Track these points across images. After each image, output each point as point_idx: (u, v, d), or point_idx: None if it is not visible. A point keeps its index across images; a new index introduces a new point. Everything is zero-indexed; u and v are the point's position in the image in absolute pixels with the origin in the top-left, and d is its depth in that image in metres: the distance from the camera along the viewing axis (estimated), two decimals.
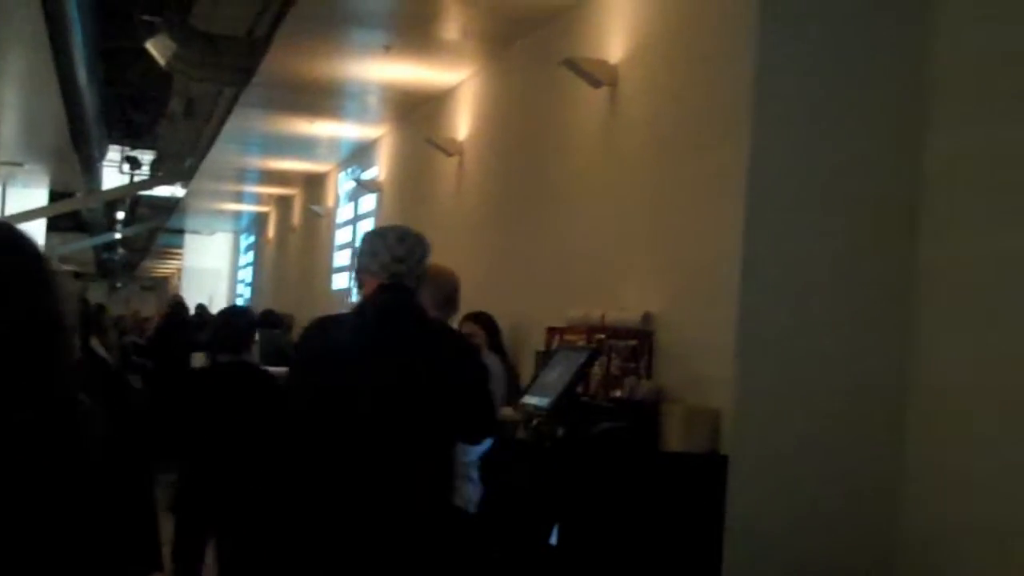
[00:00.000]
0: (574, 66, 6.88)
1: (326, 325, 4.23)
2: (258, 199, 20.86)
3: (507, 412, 6.23)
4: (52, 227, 23.99)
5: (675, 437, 5.24)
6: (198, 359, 10.73)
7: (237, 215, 23.75)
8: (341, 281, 14.97)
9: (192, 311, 15.39)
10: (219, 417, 5.73)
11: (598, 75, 6.79)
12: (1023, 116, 4.79)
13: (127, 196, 25.66)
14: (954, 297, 5.07)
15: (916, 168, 5.27)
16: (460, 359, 4.15)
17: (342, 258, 14.92)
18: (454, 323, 7.45)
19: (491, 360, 5.33)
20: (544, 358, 6.20)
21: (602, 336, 5.93)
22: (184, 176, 19.17)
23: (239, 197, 20.85)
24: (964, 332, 5.00)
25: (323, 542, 3.90)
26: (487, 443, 4.68)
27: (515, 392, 6.22)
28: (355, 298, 7.26)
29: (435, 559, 3.97)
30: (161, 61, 11.35)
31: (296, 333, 9.65)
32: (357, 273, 4.22)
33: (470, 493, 4.95)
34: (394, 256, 4.08)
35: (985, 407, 4.84)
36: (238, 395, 5.78)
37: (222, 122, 13.64)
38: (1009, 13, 4.93)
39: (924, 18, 5.26)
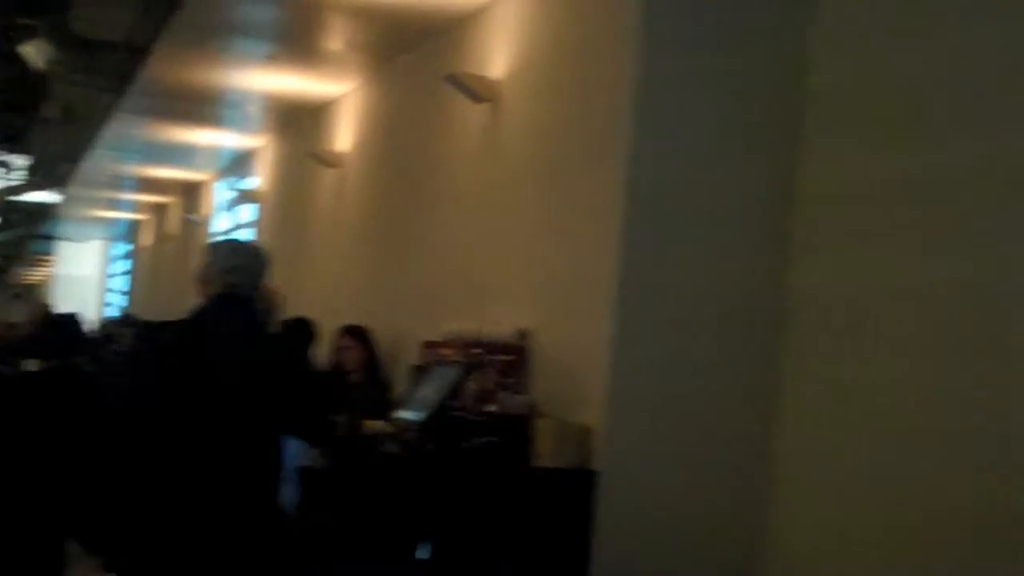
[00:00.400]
0: (456, 81, 6.89)
1: (161, 328, 4.40)
2: (134, 206, 20.55)
3: (378, 425, 6.22)
4: None
5: (547, 452, 5.26)
6: (31, 364, 10.43)
7: (112, 222, 23.36)
8: None
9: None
10: (42, 421, 5.76)
11: (480, 91, 6.81)
12: (893, 142, 4.89)
13: None
14: (822, 317, 5.16)
15: (790, 188, 5.36)
16: (288, 364, 4.42)
17: None
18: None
19: None
20: (419, 372, 6.19)
21: (477, 351, 5.94)
22: (59, 182, 18.82)
23: (115, 204, 20.51)
24: (830, 348, 5.09)
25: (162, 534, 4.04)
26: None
27: (389, 406, 6.21)
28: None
29: (259, 552, 4.21)
30: (38, 65, 11.15)
31: None
32: (197, 281, 4.35)
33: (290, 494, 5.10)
34: (229, 266, 4.30)
35: (849, 420, 4.93)
36: (61, 399, 5.82)
37: (100, 128, 13.43)
38: (881, 41, 5.04)
39: (801, 43, 5.36)
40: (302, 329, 8.12)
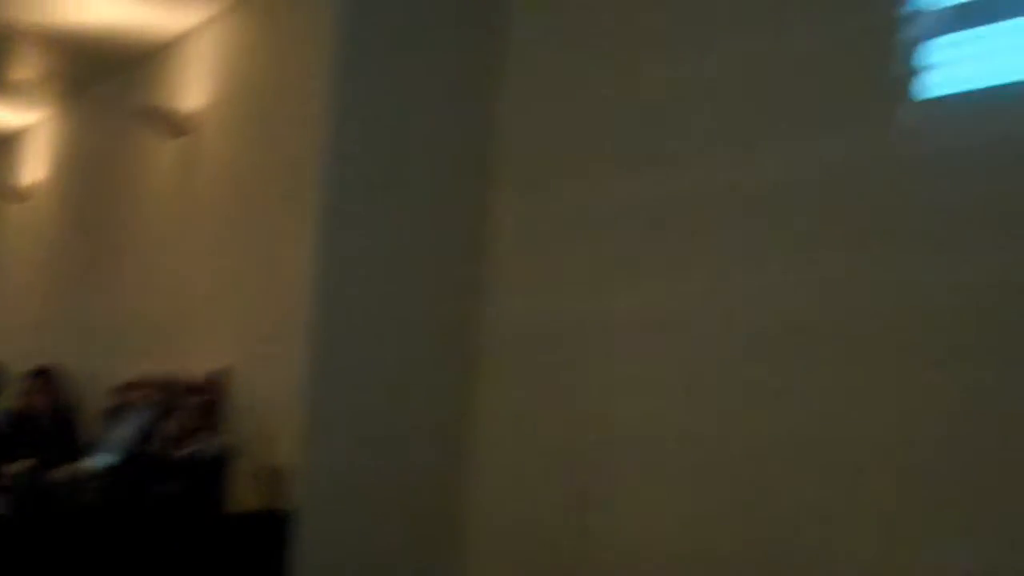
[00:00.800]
0: (150, 114, 6.72)
1: None
2: None
3: (67, 472, 5.97)
4: None
5: (242, 493, 5.16)
6: None
7: None
8: None
9: None
10: None
11: (175, 124, 6.65)
12: (574, 182, 5.01)
13: None
14: (510, 347, 5.24)
15: (482, 226, 5.42)
16: None
17: None
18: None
19: None
20: (112, 415, 5.98)
21: (173, 392, 5.77)
22: None
23: None
24: (518, 376, 5.16)
25: None
26: None
27: (78, 451, 5.97)
28: None
29: None
30: None
31: None
32: None
33: None
34: None
35: (543, 440, 5.01)
36: None
37: None
38: (563, 93, 5.16)
39: (490, 106, 5.43)
40: None
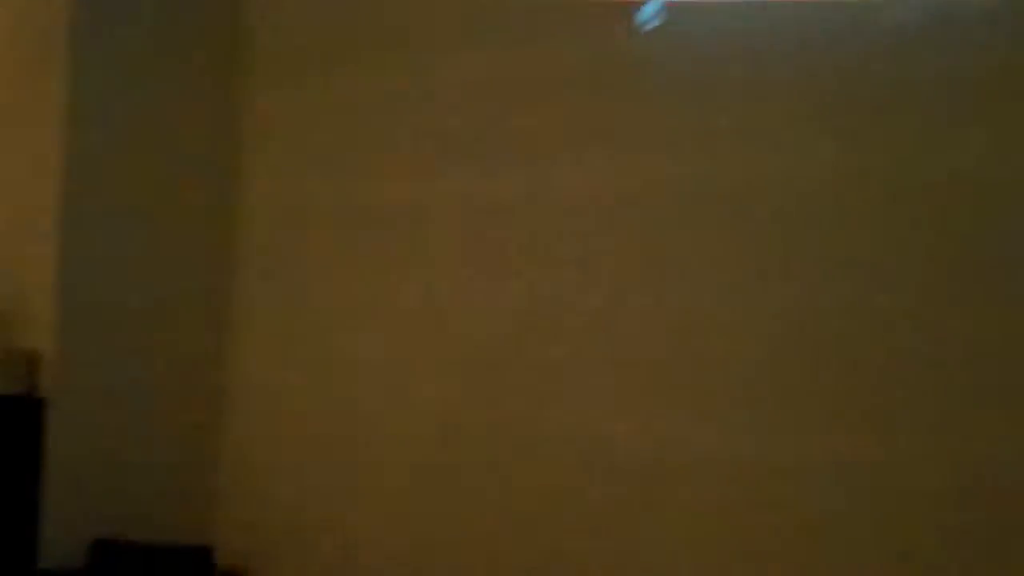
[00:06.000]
0: None
1: None
2: None
3: None
4: None
5: None
6: None
7: None
8: None
9: None
10: None
11: None
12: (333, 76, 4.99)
13: None
14: (268, 234, 5.24)
15: (236, 122, 5.37)
16: None
17: None
18: None
19: None
20: None
21: None
22: None
23: None
24: (276, 263, 5.16)
25: None
26: None
27: None
28: None
29: None
30: None
31: None
32: None
33: None
34: None
35: (302, 313, 5.02)
36: None
37: None
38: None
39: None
40: None
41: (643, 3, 3.70)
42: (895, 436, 3.12)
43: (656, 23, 3.66)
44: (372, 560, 4.53)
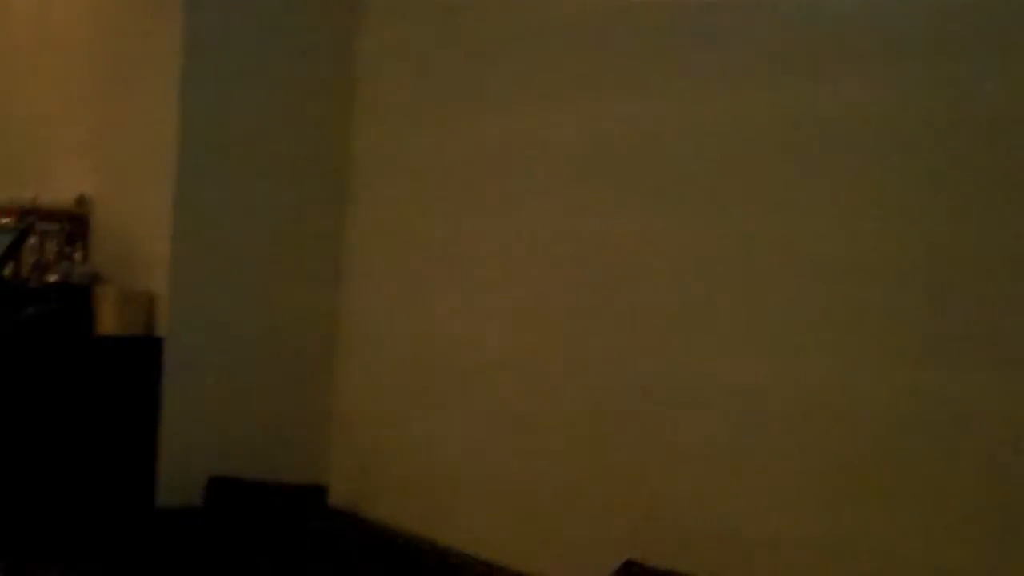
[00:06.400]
0: None
1: None
2: None
3: None
4: None
5: (110, 320, 5.13)
6: None
7: None
8: None
9: None
10: None
11: None
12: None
13: None
14: (382, 172, 5.24)
15: (351, 56, 5.38)
16: None
17: None
18: None
19: None
20: None
21: (33, 219, 5.69)
22: None
23: None
24: (388, 201, 5.17)
25: None
26: None
27: None
28: None
29: None
30: None
31: None
32: None
33: None
34: None
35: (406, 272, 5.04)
36: None
37: None
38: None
39: None
40: None
41: None
42: None
43: None
44: (476, 498, 4.55)
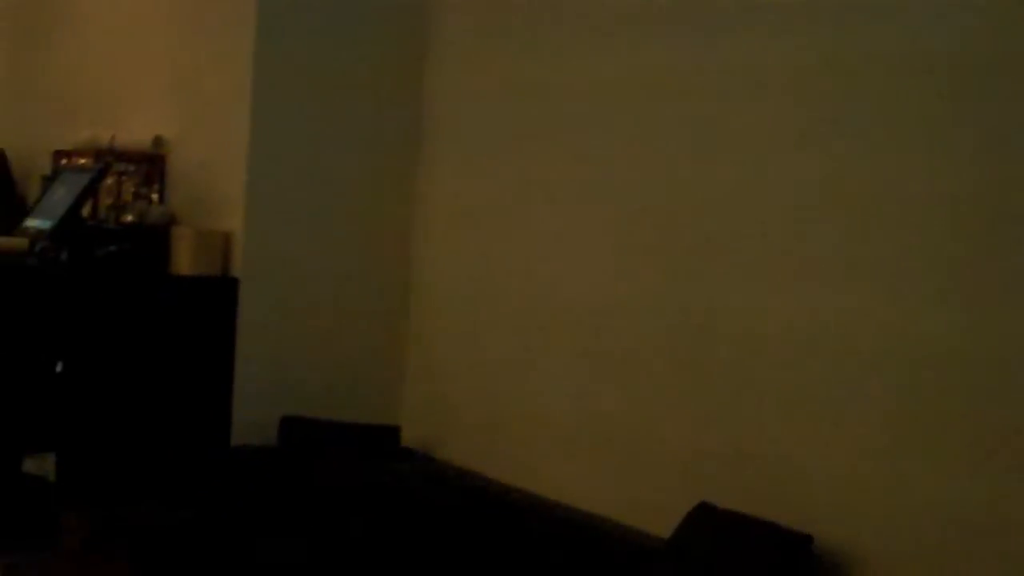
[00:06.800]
0: None
1: None
2: None
3: (13, 242, 5.96)
4: None
5: (186, 260, 5.17)
6: None
7: None
8: None
9: None
10: None
11: None
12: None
13: None
14: (454, 119, 5.22)
15: (423, 4, 5.38)
16: None
17: None
18: None
19: None
20: (48, 182, 5.94)
21: (111, 160, 5.73)
22: None
23: None
24: (460, 156, 5.16)
25: None
26: None
27: (19, 220, 5.94)
28: None
29: None
30: None
31: None
32: None
33: None
34: None
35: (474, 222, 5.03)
36: None
37: None
38: None
39: None
40: None
41: None
42: None
43: None
44: (552, 441, 4.55)
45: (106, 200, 5.72)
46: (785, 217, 3.70)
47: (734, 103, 3.90)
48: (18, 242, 5.73)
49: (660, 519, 3.84)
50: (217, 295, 5.13)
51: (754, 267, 3.79)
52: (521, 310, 4.76)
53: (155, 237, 5.27)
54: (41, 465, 5.13)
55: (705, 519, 3.59)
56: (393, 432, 5.09)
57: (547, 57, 4.72)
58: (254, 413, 5.12)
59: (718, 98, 3.96)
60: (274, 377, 5.18)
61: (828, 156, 3.58)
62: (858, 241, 3.48)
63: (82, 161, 5.92)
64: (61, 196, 5.29)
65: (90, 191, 5.32)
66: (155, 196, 5.66)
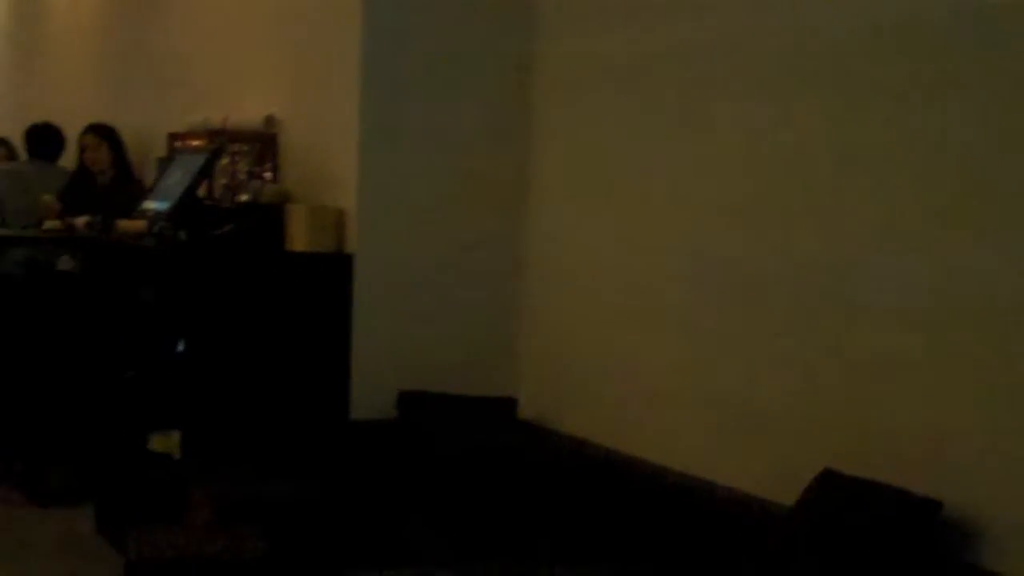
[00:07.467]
0: None
1: None
2: None
3: (133, 224, 6.08)
4: None
5: (300, 237, 5.22)
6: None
7: None
8: None
9: None
10: None
11: None
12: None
13: None
14: (566, 81, 5.20)
15: None
16: None
17: None
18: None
19: None
20: (164, 163, 6.04)
21: (224, 140, 5.81)
22: None
23: None
24: (574, 113, 5.14)
25: None
26: None
27: (136, 202, 6.06)
28: None
29: None
30: None
31: None
32: None
33: None
34: None
35: (590, 191, 5.01)
36: None
37: None
38: None
39: None
40: (48, 135, 7.87)
41: None
42: None
43: None
44: (670, 411, 4.53)
45: (221, 180, 5.80)
46: (919, 173, 3.63)
47: (862, 59, 3.83)
48: (138, 224, 5.85)
49: (782, 487, 3.81)
50: (332, 271, 5.17)
51: (888, 228, 3.72)
52: (636, 280, 4.74)
53: (270, 215, 5.32)
54: (167, 443, 5.23)
55: (830, 486, 3.56)
56: (510, 404, 5.10)
57: (662, 20, 4.67)
58: (372, 388, 5.16)
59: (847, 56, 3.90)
60: (390, 351, 5.21)
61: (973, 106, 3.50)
62: (999, 199, 3.41)
63: (196, 142, 6.00)
64: (177, 178, 5.37)
65: (206, 172, 5.40)
66: (268, 175, 5.72)
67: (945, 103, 3.54)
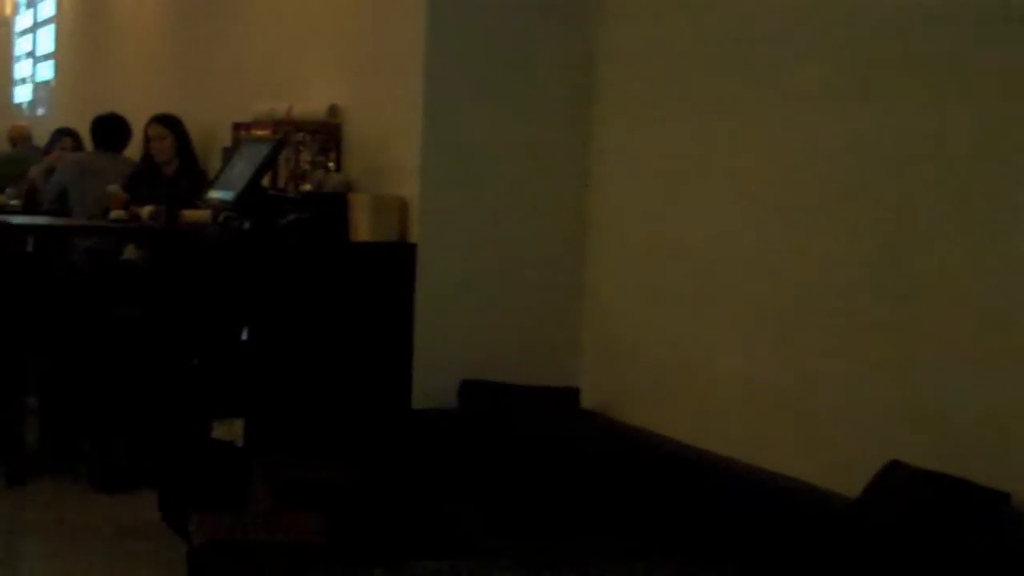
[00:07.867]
0: None
1: None
2: None
3: (198, 214, 6.13)
4: None
5: (364, 227, 5.23)
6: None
7: None
8: (23, 94, 14.34)
9: None
10: None
11: None
12: None
13: None
14: (628, 84, 5.18)
15: None
16: None
17: (23, 69, 14.25)
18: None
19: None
20: (229, 153, 6.07)
21: (288, 130, 5.84)
22: None
23: None
24: (635, 114, 5.12)
25: None
26: None
27: (201, 192, 6.10)
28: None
29: None
30: None
31: None
32: None
33: None
34: None
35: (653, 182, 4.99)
36: None
37: None
38: None
39: None
40: (114, 126, 7.94)
41: None
42: None
43: None
44: (735, 401, 4.50)
45: (284, 169, 5.82)
46: (983, 167, 3.58)
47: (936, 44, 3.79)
48: (202, 213, 5.89)
49: (846, 478, 3.77)
50: (395, 261, 5.18)
51: (948, 219, 3.68)
52: (698, 270, 4.71)
53: (333, 205, 5.34)
54: (230, 430, 5.26)
55: (896, 477, 3.52)
56: (573, 394, 5.09)
57: (728, 8, 4.64)
58: (434, 376, 5.16)
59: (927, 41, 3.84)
60: (453, 341, 5.21)
61: None
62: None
63: (261, 132, 6.04)
64: (242, 168, 5.40)
65: (270, 162, 5.43)
66: (332, 164, 5.74)
67: None
